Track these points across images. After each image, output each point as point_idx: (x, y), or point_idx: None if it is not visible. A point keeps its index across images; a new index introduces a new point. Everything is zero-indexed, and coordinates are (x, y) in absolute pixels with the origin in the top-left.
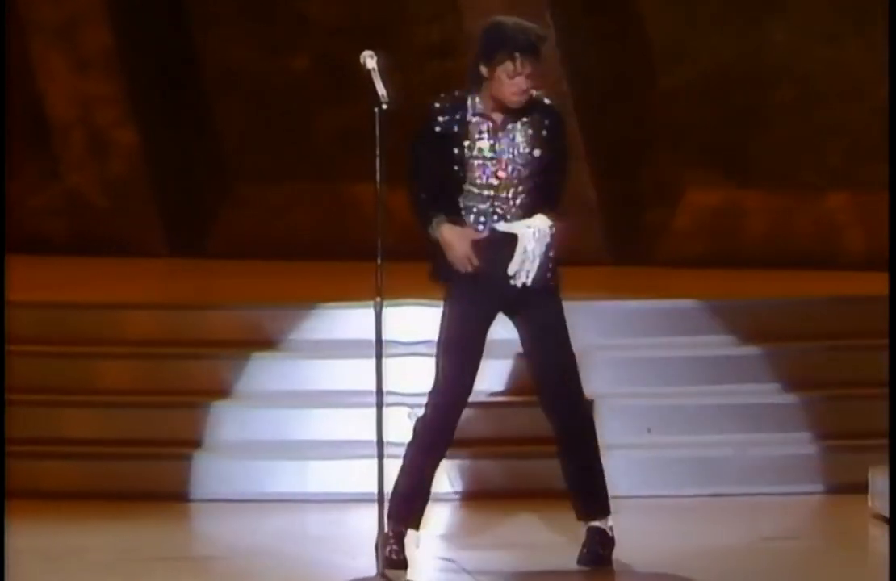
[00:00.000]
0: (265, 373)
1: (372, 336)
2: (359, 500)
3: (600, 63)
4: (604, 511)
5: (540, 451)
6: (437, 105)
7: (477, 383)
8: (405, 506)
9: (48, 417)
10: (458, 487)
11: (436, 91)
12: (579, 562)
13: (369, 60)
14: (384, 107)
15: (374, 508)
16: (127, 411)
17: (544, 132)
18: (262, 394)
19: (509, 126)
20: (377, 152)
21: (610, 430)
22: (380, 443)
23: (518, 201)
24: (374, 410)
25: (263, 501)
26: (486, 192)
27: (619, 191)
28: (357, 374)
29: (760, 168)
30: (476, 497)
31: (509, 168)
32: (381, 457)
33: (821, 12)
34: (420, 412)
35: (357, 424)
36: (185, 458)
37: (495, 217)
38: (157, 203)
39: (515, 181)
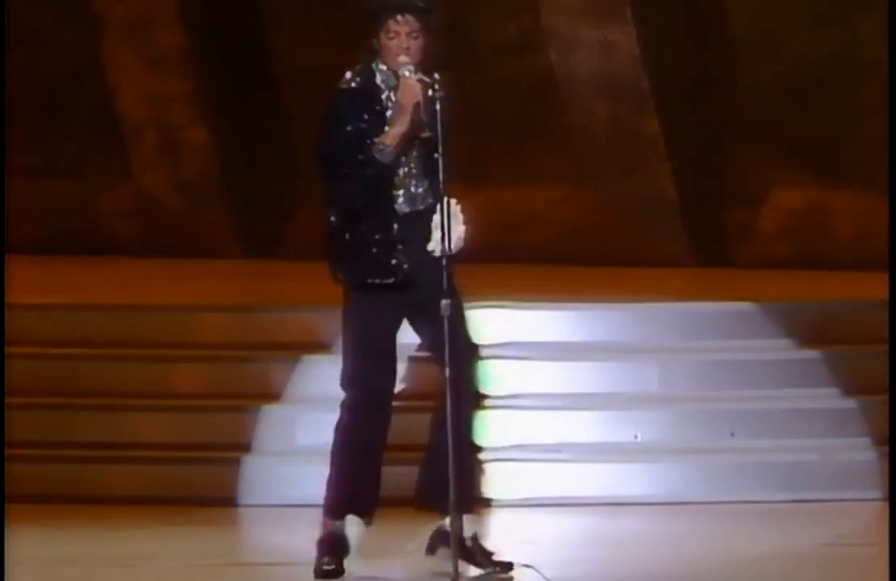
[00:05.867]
0: None
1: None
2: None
3: (682, 59)
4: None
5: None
6: (344, 84)
7: None
8: (348, 494)
9: (120, 422)
10: None
11: (512, 87)
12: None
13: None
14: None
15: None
16: (201, 415)
17: (437, 105)
18: (341, 397)
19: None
20: (439, 151)
21: (692, 435)
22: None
23: (424, 179)
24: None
25: None
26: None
27: (702, 191)
28: (433, 377)
29: (847, 167)
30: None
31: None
32: (457, 458)
33: None
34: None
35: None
36: (260, 463)
37: (413, 193)
38: (229, 204)
39: (422, 155)
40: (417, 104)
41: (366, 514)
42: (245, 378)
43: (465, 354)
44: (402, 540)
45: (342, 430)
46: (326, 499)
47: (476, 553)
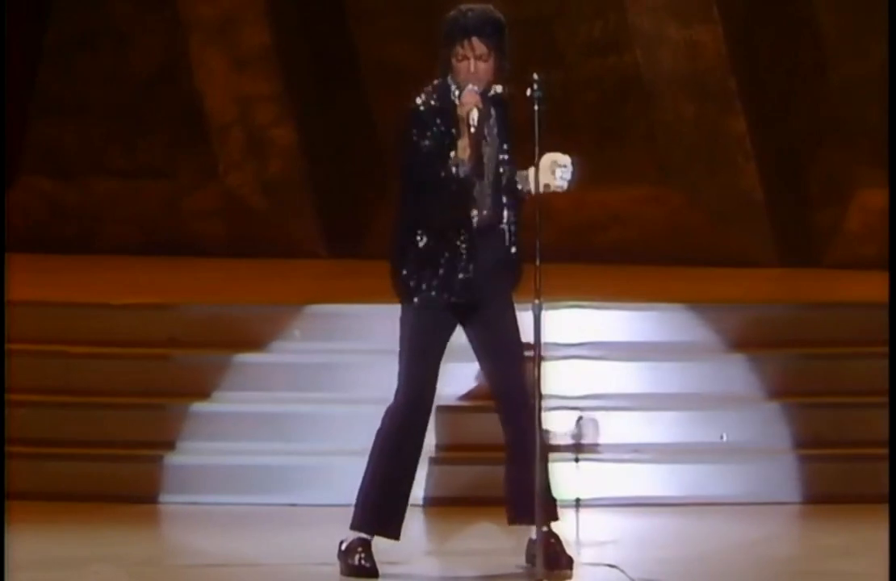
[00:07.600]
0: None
1: (531, 338)
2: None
3: (769, 57)
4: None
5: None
6: (421, 102)
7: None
8: (374, 514)
9: (208, 420)
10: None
11: (597, 86)
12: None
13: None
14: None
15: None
16: (287, 414)
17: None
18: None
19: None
20: (536, 151)
21: (778, 435)
22: (541, 446)
23: (495, 192)
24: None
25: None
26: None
27: (788, 191)
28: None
29: None
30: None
31: (491, 156)
32: (543, 459)
33: None
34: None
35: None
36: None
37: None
38: (315, 203)
39: (494, 171)
40: (471, 112)
41: (393, 533)
42: (330, 377)
43: (520, 361)
44: (470, 539)
45: (379, 437)
46: (356, 513)
47: (543, 553)
